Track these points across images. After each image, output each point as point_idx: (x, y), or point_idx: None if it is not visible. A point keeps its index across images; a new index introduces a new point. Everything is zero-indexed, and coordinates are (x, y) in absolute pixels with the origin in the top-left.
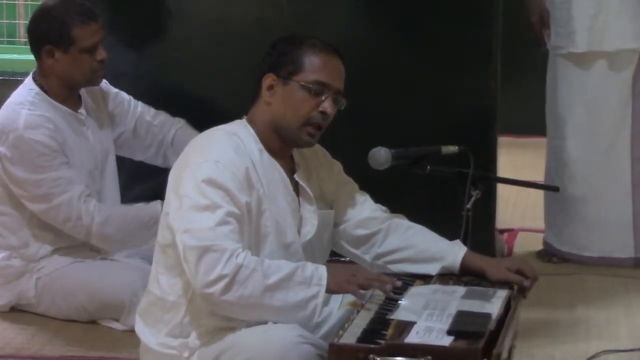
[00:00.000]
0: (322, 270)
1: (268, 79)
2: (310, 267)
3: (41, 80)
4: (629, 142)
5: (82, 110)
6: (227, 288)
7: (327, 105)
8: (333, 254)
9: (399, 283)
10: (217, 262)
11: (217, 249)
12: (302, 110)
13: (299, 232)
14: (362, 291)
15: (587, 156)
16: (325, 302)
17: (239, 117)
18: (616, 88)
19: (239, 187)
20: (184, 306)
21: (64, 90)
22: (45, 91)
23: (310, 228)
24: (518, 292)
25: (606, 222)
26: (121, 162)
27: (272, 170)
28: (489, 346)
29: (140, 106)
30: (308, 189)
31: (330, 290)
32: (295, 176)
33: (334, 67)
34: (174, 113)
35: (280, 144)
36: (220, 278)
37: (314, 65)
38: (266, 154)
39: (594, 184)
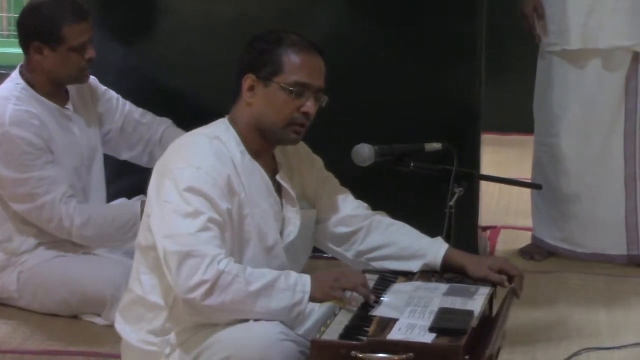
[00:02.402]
0: (306, 277)
1: (248, 80)
2: (293, 275)
3: (28, 75)
4: (622, 140)
5: (68, 106)
6: (208, 293)
7: (309, 106)
8: (315, 250)
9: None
10: (197, 268)
11: (198, 254)
12: (284, 112)
13: (281, 233)
14: (347, 294)
15: (581, 154)
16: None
17: (225, 112)
18: (610, 86)
19: (219, 194)
20: (166, 309)
21: (50, 86)
22: (32, 86)
23: (292, 228)
24: (511, 292)
25: (599, 219)
26: (106, 157)
27: (253, 173)
28: (471, 343)
29: (128, 104)
30: (290, 190)
31: (314, 299)
32: (277, 177)
33: (313, 65)
34: (160, 108)
35: (263, 144)
36: (201, 283)
37: (294, 65)
38: (248, 156)
39: (587, 182)
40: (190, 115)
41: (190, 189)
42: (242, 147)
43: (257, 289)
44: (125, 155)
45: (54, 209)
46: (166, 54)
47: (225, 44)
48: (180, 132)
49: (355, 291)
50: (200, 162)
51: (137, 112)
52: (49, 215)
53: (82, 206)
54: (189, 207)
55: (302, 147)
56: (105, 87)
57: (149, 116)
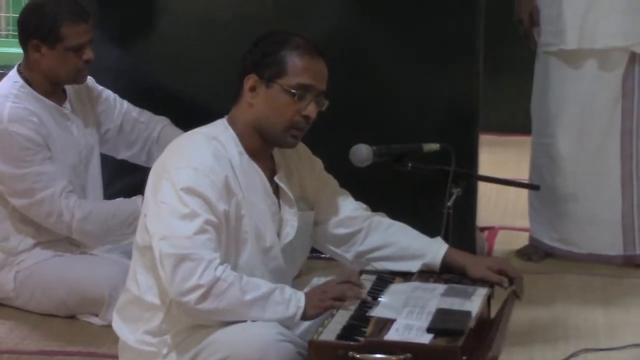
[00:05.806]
0: (301, 294)
1: (250, 80)
2: (289, 289)
3: (26, 73)
4: (618, 140)
5: (66, 105)
6: (203, 298)
7: (311, 110)
8: (313, 250)
9: (368, 297)
10: (193, 272)
11: (194, 257)
12: (286, 114)
13: (278, 234)
14: (338, 302)
15: (578, 154)
16: None
17: (223, 113)
18: (607, 86)
19: (217, 196)
20: (163, 309)
21: (48, 85)
22: (30, 84)
23: (290, 230)
24: (512, 294)
25: (596, 219)
26: (104, 157)
27: (251, 174)
28: (469, 344)
29: (125, 103)
30: (288, 191)
31: (307, 316)
32: (276, 178)
33: (317, 69)
34: (157, 108)
35: (262, 145)
36: (196, 288)
37: (298, 68)
38: (246, 157)
39: (584, 182)
40: (187, 115)
41: (188, 190)
42: (241, 148)
43: (251, 299)
44: (123, 154)
45: (54, 203)
46: (164, 54)
47: (223, 43)
48: (177, 131)
49: (346, 298)
50: (198, 162)
51: (134, 110)
52: (48, 210)
53: (82, 201)
54: (186, 209)
55: (302, 148)
56: (102, 87)
57: (146, 114)
